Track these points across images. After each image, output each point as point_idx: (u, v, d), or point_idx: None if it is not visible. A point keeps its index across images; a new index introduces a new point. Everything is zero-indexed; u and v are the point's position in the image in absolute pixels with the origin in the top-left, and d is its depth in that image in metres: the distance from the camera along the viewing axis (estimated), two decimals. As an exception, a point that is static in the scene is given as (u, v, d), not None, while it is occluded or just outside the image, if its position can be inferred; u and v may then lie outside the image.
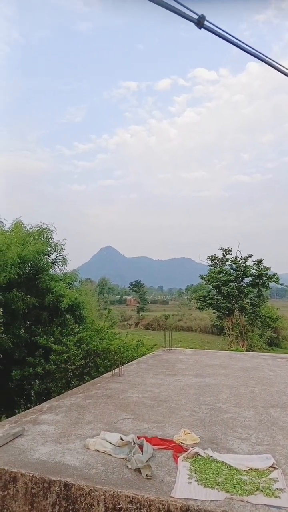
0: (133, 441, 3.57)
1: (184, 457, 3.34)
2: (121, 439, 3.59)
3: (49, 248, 12.25)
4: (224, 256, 30.84)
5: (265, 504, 2.61)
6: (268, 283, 29.65)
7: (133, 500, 2.76)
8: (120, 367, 7.32)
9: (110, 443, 3.56)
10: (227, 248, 30.57)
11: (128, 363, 8.44)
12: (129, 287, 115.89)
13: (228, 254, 30.67)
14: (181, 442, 3.69)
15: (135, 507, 2.75)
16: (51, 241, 12.41)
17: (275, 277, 29.67)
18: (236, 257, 30.18)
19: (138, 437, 3.70)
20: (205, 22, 2.41)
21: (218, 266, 30.66)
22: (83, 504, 2.89)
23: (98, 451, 3.50)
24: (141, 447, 3.46)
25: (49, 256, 12.49)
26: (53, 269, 12.57)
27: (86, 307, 13.63)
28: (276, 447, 3.66)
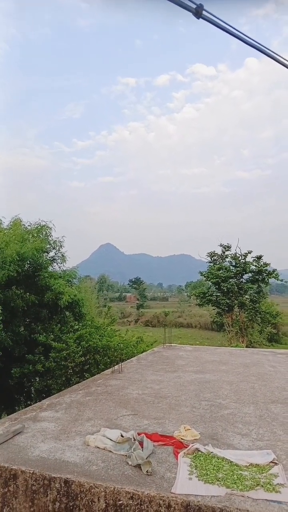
0: (133, 438, 3.56)
1: (184, 453, 3.34)
2: (121, 435, 3.58)
3: (48, 246, 12.22)
4: (224, 252, 30.85)
5: (265, 499, 2.60)
6: (267, 279, 29.67)
7: (133, 496, 2.75)
8: (120, 364, 7.31)
9: (110, 439, 3.56)
10: (226, 244, 30.57)
11: (128, 360, 8.44)
12: (128, 284, 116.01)
13: (228, 250, 30.67)
14: (182, 438, 3.68)
15: (135, 503, 2.74)
16: (50, 239, 12.38)
17: (275, 273, 29.69)
18: (235, 253, 30.19)
19: (138, 434, 3.69)
20: (204, 12, 2.37)
21: (218, 263, 30.66)
22: (84, 500, 2.89)
23: (98, 447, 3.50)
24: (141, 443, 3.46)
25: (48, 253, 12.46)
26: (52, 267, 12.55)
27: (86, 304, 13.62)
28: (276, 442, 3.66)
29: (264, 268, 29.01)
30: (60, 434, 3.86)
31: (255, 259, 29.58)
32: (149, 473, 2.99)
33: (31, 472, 3.08)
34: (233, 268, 29.80)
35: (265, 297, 31.82)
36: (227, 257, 30.70)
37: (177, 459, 3.26)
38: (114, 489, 2.81)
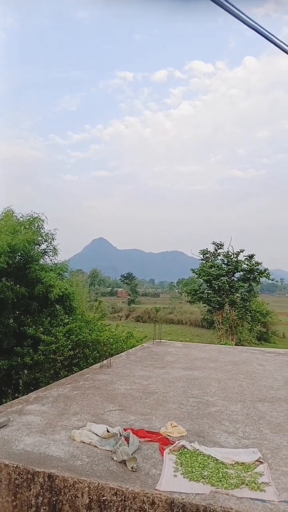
0: (120, 433, 3.53)
1: (170, 449, 3.32)
2: (107, 430, 3.55)
3: (40, 238, 12.09)
4: (216, 250, 30.94)
5: (250, 498, 2.60)
6: (259, 278, 29.82)
7: (117, 492, 2.73)
8: (109, 359, 7.29)
9: (96, 434, 3.53)
10: (219, 242, 30.65)
11: (117, 355, 8.41)
12: (120, 279, 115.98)
13: (220, 248, 30.76)
14: (168, 435, 3.67)
15: (119, 499, 2.72)
16: (42, 231, 12.25)
17: (266, 272, 29.85)
18: (228, 251, 30.27)
19: (125, 429, 3.67)
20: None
21: (210, 260, 30.75)
22: (67, 495, 2.86)
23: (83, 442, 3.47)
24: (127, 439, 3.43)
25: (39, 246, 12.33)
26: (43, 259, 12.42)
27: (77, 298, 13.52)
28: (262, 441, 3.66)
29: (256, 267, 29.15)
30: (46, 428, 3.83)
31: (247, 258, 29.72)
32: (134, 469, 2.96)
33: (15, 466, 3.04)
34: (225, 266, 29.90)
35: (255, 296, 32.01)
36: (219, 255, 30.80)
37: (162, 455, 3.24)
38: (98, 484, 2.79)
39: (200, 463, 3.07)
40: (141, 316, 62.60)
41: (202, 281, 30.75)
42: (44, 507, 2.92)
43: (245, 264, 29.51)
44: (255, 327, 36.21)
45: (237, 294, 29.87)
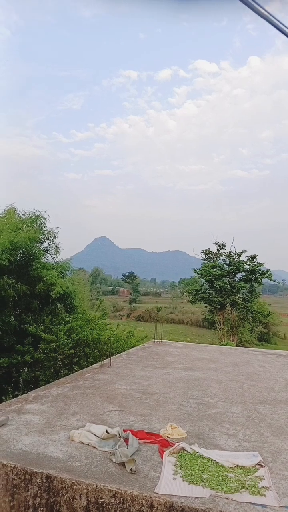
0: (119, 434, 3.50)
1: (170, 452, 3.29)
2: (107, 431, 3.52)
3: (41, 236, 12.09)
4: (218, 250, 30.86)
5: (250, 502, 2.56)
6: (260, 279, 29.75)
7: (116, 494, 2.69)
8: (109, 358, 7.26)
9: (95, 435, 3.50)
10: (221, 242, 30.58)
11: (118, 354, 8.38)
12: (122, 278, 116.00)
13: (222, 248, 30.69)
14: (168, 437, 3.63)
15: (117, 502, 2.68)
16: (44, 229, 12.25)
17: (268, 273, 29.78)
18: (230, 252, 30.21)
19: (124, 430, 3.64)
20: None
21: (212, 260, 30.68)
22: (65, 497, 2.83)
23: (82, 443, 3.44)
24: (126, 440, 3.40)
25: (41, 244, 12.33)
26: (45, 257, 12.42)
27: (78, 297, 13.52)
28: (263, 444, 3.62)
29: (258, 267, 29.09)
30: (45, 428, 3.80)
31: (249, 259, 29.65)
32: (133, 471, 2.93)
33: (13, 466, 3.01)
34: (227, 266, 29.84)
35: (257, 297, 31.95)
36: (221, 255, 30.73)
37: (162, 458, 3.21)
38: (96, 486, 2.75)
39: (199, 466, 3.03)
40: (142, 315, 62.60)
41: (203, 281, 30.70)
42: (42, 508, 2.89)
43: (247, 264, 29.44)
44: (256, 328, 36.18)
45: (238, 295, 29.81)
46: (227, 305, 29.94)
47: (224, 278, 29.16)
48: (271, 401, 5.12)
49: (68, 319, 11.18)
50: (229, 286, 28.89)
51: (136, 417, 4.21)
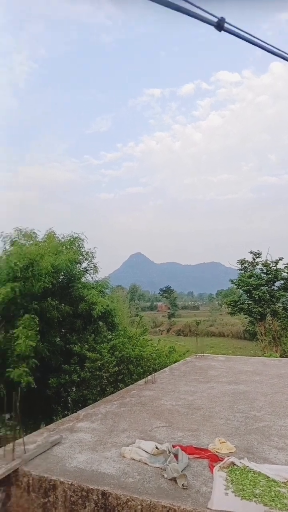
0: (168, 450, 3.59)
1: (220, 466, 3.33)
2: (156, 447, 3.62)
3: (80, 257, 12.47)
4: (254, 259, 30.27)
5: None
6: (300, 286, 28.77)
7: (169, 510, 2.78)
8: (153, 374, 7.34)
9: (146, 451, 3.60)
10: (257, 251, 29.99)
11: (161, 370, 8.45)
12: (159, 293, 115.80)
13: (258, 257, 30.06)
14: (217, 451, 3.67)
15: (172, 517, 2.76)
16: (83, 250, 12.63)
17: (308, 279, 28.77)
18: (266, 260, 29.54)
19: (173, 446, 3.71)
20: (225, 25, 2.42)
21: (249, 270, 30.10)
22: (121, 512, 2.94)
23: (133, 459, 3.55)
24: (176, 456, 3.48)
25: (80, 264, 12.71)
26: (85, 277, 12.78)
27: (118, 314, 13.72)
28: (315, 458, 3.57)
29: (296, 275, 28.19)
30: (97, 445, 3.94)
31: (286, 266, 28.84)
32: (184, 487, 3.00)
33: (70, 483, 3.17)
34: (264, 275, 29.15)
35: (298, 305, 30.86)
36: (257, 264, 30.07)
37: (212, 472, 3.25)
38: (150, 502, 2.85)
39: (250, 481, 3.06)
40: (182, 329, 62.03)
41: (241, 291, 30.09)
42: (100, 524, 3.02)
43: (285, 272, 28.63)
44: (301, 337, 34.78)
45: (278, 304, 28.93)
46: (267, 315, 29.14)
47: (262, 288, 28.47)
48: None
49: (110, 336, 11.38)
50: (268, 295, 28.16)
51: (183, 432, 4.27)
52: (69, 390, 10.25)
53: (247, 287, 28.38)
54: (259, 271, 29.72)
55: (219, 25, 2.49)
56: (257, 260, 30.30)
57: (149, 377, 7.19)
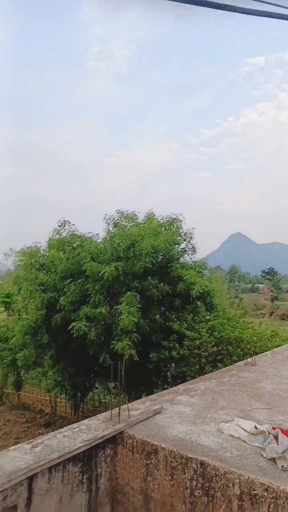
0: (268, 431, 3.55)
1: None
2: (256, 427, 3.60)
3: (179, 238, 12.65)
4: None
5: None
6: None
7: (268, 488, 2.77)
8: (254, 357, 7.21)
9: (245, 430, 3.61)
10: None
11: (262, 353, 8.25)
12: (261, 275, 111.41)
13: None
14: None
15: (270, 496, 2.76)
16: (181, 231, 12.78)
17: None
18: None
19: (273, 428, 3.65)
20: None
21: None
22: (219, 484, 3.03)
23: (232, 436, 3.59)
24: (276, 437, 3.42)
25: (179, 245, 12.91)
26: (183, 258, 12.95)
27: (217, 295, 13.66)
28: None
29: None
30: (196, 419, 4.08)
31: None
32: (284, 469, 2.96)
33: (170, 449, 3.36)
34: None
35: None
36: None
37: (315, 459, 3.13)
38: (248, 478, 2.88)
39: None
40: (286, 314, 59.07)
41: None
42: (198, 491, 3.15)
43: None
44: None
45: None
46: None
47: None
48: None
49: (209, 317, 11.42)
50: None
51: (285, 416, 4.16)
52: (168, 365, 10.64)
53: None
54: None
55: None
56: None
57: (249, 359, 7.08)
